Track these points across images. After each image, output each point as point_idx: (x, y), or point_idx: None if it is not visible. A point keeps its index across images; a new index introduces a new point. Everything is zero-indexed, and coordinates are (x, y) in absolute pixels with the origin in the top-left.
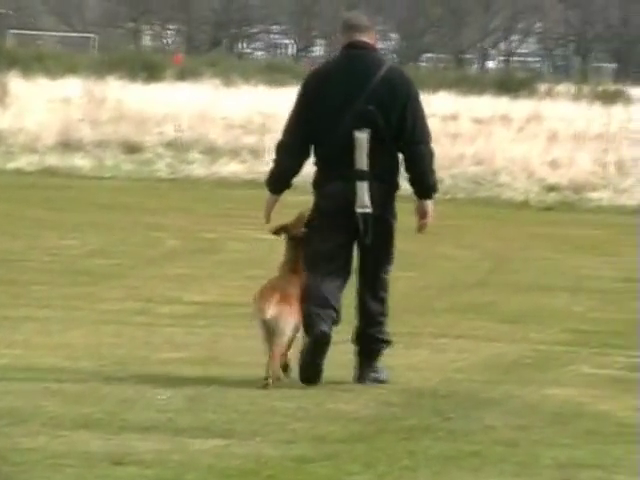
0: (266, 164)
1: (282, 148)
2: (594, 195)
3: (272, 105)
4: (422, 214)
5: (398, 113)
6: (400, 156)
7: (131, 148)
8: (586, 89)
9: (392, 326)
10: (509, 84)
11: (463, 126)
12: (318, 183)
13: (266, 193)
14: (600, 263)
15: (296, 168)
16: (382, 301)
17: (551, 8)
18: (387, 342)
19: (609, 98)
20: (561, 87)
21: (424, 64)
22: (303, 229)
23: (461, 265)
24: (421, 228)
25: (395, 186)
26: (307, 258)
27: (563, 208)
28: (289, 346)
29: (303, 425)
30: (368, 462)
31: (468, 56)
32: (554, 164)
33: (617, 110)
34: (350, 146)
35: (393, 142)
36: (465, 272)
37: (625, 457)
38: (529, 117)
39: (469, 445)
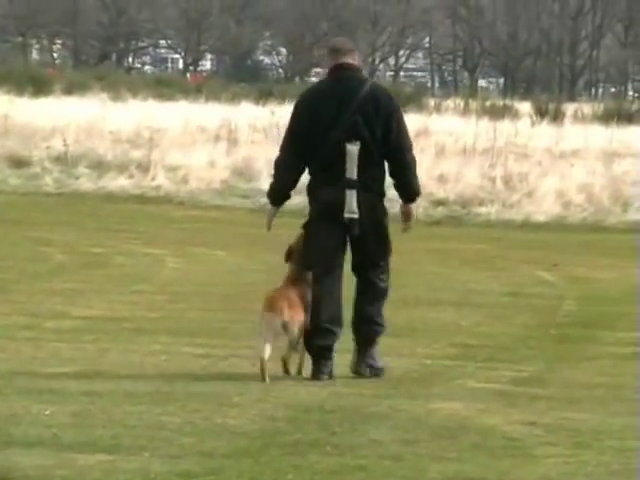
0: (152, 179)
1: (279, 164)
2: (482, 210)
3: (160, 119)
4: (407, 216)
5: (382, 125)
6: (386, 165)
7: (18, 162)
8: (474, 104)
9: (281, 340)
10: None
11: None
12: (312, 190)
13: (267, 205)
14: (487, 277)
15: (293, 182)
16: (379, 294)
17: (439, 23)
18: (383, 326)
19: (496, 113)
20: (449, 102)
21: (313, 79)
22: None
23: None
24: (406, 229)
25: (382, 194)
26: (308, 256)
27: (451, 222)
28: (297, 346)
29: (190, 440)
30: (254, 477)
31: None
32: (442, 179)
33: (504, 125)
34: (341, 157)
35: (379, 152)
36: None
37: (511, 471)
38: (418, 132)
39: (355, 459)
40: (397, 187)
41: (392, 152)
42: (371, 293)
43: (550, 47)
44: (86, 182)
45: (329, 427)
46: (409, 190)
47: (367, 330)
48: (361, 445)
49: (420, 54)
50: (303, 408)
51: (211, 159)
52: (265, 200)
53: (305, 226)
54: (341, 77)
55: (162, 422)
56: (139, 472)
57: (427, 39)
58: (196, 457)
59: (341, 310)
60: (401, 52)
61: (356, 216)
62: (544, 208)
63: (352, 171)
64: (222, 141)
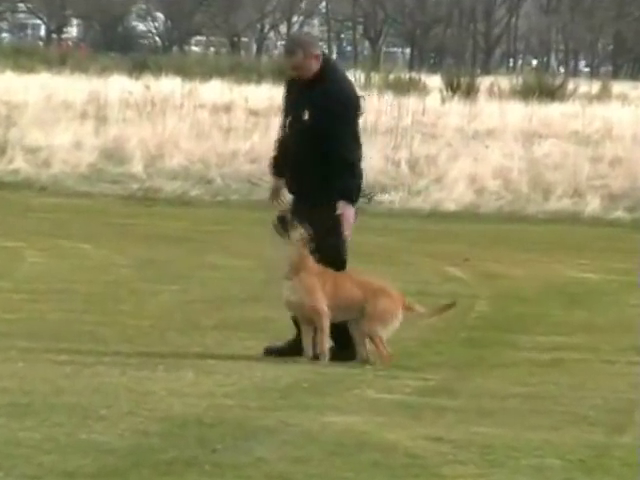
0: (9, 162)
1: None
2: (384, 197)
3: (19, 94)
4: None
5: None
6: None
7: None
8: (376, 77)
9: (152, 346)
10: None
11: (237, 118)
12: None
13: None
14: (388, 274)
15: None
16: None
17: None
18: None
19: (402, 87)
20: (349, 75)
21: (194, 48)
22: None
23: (232, 276)
24: None
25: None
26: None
27: None
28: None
29: (51, 458)
30: None
31: (244, 39)
32: None
33: (410, 101)
34: None
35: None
36: (236, 285)
37: None
38: None
39: None
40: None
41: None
42: None
43: (462, 13)
44: None
45: (209, 443)
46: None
47: None
48: (245, 464)
49: (315, 21)
50: (179, 422)
51: (77, 139)
52: None
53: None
54: None
55: (19, 438)
56: None
57: (323, 3)
58: (58, 477)
59: None
60: (294, 18)
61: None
62: (455, 195)
63: None
64: (90, 119)
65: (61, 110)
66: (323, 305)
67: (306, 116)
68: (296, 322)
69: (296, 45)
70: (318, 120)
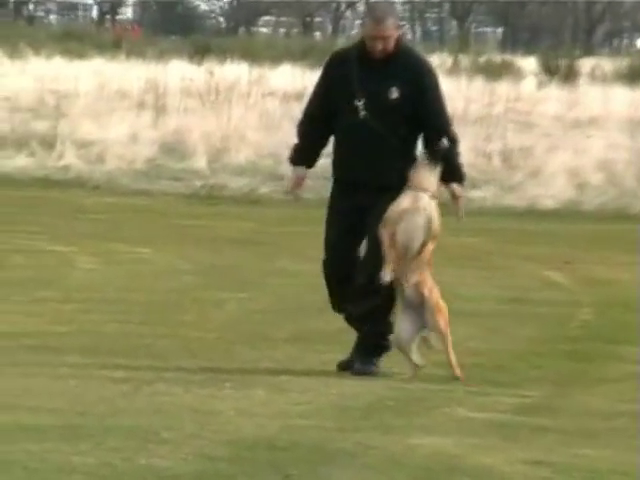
0: (59, 158)
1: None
2: (475, 194)
3: (69, 82)
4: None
5: None
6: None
7: None
8: (465, 60)
9: (218, 361)
10: None
11: None
12: None
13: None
14: (480, 279)
15: None
16: None
17: None
18: None
19: (493, 71)
20: (434, 58)
21: (262, 29)
22: None
23: (306, 283)
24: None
25: None
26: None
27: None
28: None
29: None
30: None
31: (317, 19)
32: None
33: (503, 87)
34: None
35: None
36: (311, 292)
37: None
38: None
39: None
40: None
41: None
42: None
43: None
44: None
45: (282, 469)
46: None
47: None
48: None
49: None
50: (248, 445)
51: (133, 132)
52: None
53: None
54: None
55: (73, 463)
56: None
57: None
58: None
59: None
60: None
61: None
62: (553, 191)
63: None
64: (147, 109)
65: (116, 100)
66: None
67: (394, 94)
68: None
69: (387, 12)
70: (410, 97)
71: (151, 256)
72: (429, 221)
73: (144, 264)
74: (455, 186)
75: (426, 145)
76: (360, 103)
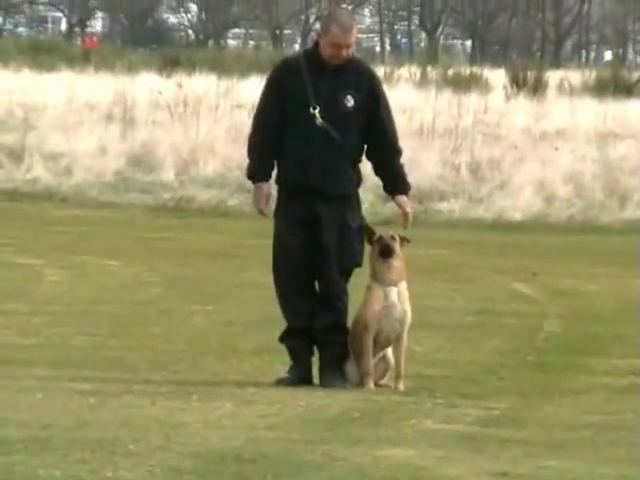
0: (27, 170)
1: None
2: (442, 206)
3: (38, 95)
4: None
5: None
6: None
7: None
8: (433, 73)
9: (185, 373)
10: None
11: None
12: None
13: None
14: (449, 291)
15: None
16: None
17: None
18: None
19: (462, 84)
20: (403, 70)
21: (231, 42)
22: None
23: (274, 296)
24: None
25: None
26: None
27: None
28: None
29: None
30: None
31: (287, 32)
32: None
33: (471, 99)
34: None
35: None
36: (277, 305)
37: None
38: None
39: None
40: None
41: None
42: None
43: (529, 1)
44: None
45: None
46: None
47: None
48: None
49: (366, 10)
50: (215, 457)
51: (102, 145)
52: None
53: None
54: None
55: (39, 476)
56: None
57: None
58: None
59: None
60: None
61: None
62: (521, 203)
63: None
64: (116, 122)
65: (84, 112)
66: None
67: (350, 102)
68: (299, 349)
69: (353, 21)
70: (364, 105)
71: (119, 268)
72: (404, 313)
73: (112, 277)
74: (402, 199)
75: (371, 155)
76: (316, 111)
